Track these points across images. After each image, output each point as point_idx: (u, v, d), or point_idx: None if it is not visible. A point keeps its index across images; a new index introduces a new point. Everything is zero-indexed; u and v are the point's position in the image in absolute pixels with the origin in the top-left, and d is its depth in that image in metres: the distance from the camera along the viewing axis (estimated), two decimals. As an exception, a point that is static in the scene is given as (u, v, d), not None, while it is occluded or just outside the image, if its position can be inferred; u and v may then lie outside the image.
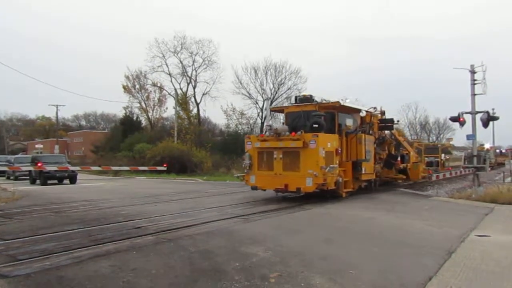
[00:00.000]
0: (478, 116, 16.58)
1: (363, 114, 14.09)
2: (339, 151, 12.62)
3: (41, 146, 58.93)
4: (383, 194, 15.43)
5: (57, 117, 65.34)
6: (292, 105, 14.73)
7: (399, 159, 18.07)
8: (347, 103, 13.70)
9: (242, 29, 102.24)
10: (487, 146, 30.09)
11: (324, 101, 13.40)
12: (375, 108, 15.71)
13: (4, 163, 31.10)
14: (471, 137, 17.20)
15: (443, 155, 26.24)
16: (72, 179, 23.70)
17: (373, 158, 15.02)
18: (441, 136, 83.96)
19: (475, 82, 16.57)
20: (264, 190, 13.20)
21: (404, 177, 18.82)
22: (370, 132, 15.28)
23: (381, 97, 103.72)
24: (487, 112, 16.60)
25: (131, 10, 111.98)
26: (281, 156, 12.33)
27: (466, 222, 10.17)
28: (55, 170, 22.50)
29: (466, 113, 16.72)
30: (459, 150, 62.11)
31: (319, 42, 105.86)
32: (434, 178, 23.96)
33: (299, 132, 12.04)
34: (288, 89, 49.55)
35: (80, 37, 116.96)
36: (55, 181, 23.42)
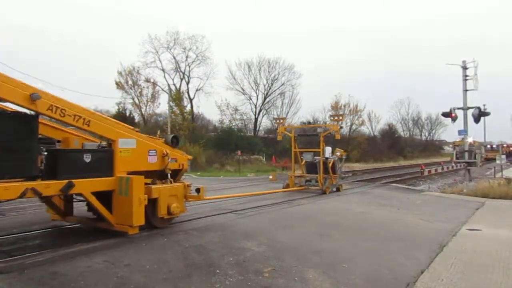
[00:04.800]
0: (470, 112, 16.78)
1: None
2: None
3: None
4: (376, 189, 15.54)
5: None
6: None
7: None
8: None
9: (237, 24, 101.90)
10: (469, 140, 26.75)
11: None
12: None
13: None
14: (463, 132, 17.38)
15: (326, 149, 14.38)
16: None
17: None
18: (433, 131, 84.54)
19: (467, 78, 16.75)
20: None
21: None
22: None
23: (375, 93, 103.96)
24: (479, 108, 16.80)
25: (125, 5, 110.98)
26: None
27: (458, 216, 10.29)
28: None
29: (458, 108, 16.91)
30: (451, 145, 62.63)
31: (312, 37, 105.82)
32: (426, 173, 24.19)
33: None
34: (282, 84, 49.64)
35: (73, 32, 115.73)
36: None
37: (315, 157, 14.47)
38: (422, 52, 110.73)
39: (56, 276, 4.71)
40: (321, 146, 14.25)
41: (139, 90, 50.80)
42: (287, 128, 16.34)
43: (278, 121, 16.59)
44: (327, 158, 14.15)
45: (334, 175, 14.40)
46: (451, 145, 49.10)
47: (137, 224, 6.62)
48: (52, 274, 4.77)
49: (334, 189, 14.62)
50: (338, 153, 14.82)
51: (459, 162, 20.40)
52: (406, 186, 19.17)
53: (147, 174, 7.27)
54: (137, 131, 7.50)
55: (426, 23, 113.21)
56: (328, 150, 14.36)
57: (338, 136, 14.55)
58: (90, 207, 7.02)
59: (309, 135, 16.39)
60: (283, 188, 14.34)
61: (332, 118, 15.76)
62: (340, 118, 14.60)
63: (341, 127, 15.71)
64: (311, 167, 14.65)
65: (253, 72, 49.23)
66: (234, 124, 46.34)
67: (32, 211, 10.18)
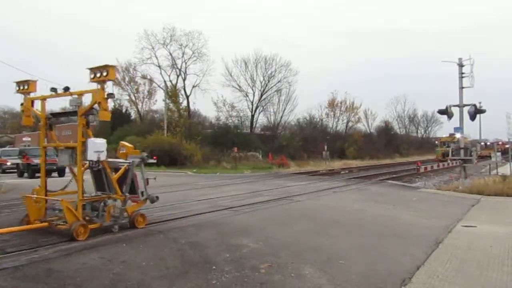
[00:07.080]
0: (466, 109, 16.80)
1: None
2: None
3: (29, 139, 57.97)
4: (372, 186, 15.58)
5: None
6: None
7: None
8: None
9: (233, 21, 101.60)
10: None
11: None
12: None
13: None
14: (459, 129, 17.42)
15: (89, 143, 6.63)
16: (61, 172, 23.47)
17: None
18: (429, 129, 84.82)
19: (463, 75, 16.76)
20: None
21: None
22: None
23: (370, 90, 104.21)
24: (474, 105, 16.81)
25: (120, 1, 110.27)
26: None
27: (453, 213, 10.33)
28: (43, 163, 22.20)
29: (454, 106, 16.91)
30: (438, 142, 62.75)
31: (307, 35, 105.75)
32: (422, 170, 24.28)
33: None
34: (278, 81, 49.61)
35: (70, 30, 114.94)
36: (43, 174, 23.19)
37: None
38: (420, 50, 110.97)
39: (51, 273, 4.68)
40: (79, 135, 6.86)
41: (136, 86, 50.62)
42: (35, 101, 8.08)
43: (21, 88, 7.91)
44: (96, 162, 6.91)
45: (121, 196, 7.07)
46: (437, 142, 48.28)
47: None
48: (47, 270, 4.75)
49: (125, 222, 7.16)
50: (123, 150, 7.89)
51: (454, 159, 20.43)
52: (402, 183, 19.22)
53: None
54: None
55: (425, 22, 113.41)
56: (97, 144, 6.85)
57: (105, 116, 6.68)
58: None
59: (68, 114, 8.37)
60: (21, 223, 7.26)
61: (92, 77, 6.56)
62: (105, 75, 6.55)
63: (111, 95, 6.90)
64: (101, 178, 7.45)
65: (250, 69, 49.17)
66: (230, 121, 46.39)
67: (28, 208, 10.12)
